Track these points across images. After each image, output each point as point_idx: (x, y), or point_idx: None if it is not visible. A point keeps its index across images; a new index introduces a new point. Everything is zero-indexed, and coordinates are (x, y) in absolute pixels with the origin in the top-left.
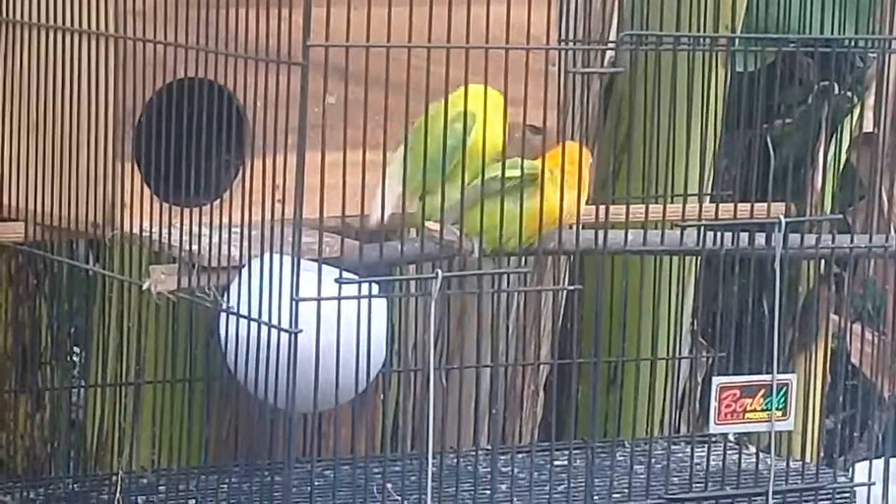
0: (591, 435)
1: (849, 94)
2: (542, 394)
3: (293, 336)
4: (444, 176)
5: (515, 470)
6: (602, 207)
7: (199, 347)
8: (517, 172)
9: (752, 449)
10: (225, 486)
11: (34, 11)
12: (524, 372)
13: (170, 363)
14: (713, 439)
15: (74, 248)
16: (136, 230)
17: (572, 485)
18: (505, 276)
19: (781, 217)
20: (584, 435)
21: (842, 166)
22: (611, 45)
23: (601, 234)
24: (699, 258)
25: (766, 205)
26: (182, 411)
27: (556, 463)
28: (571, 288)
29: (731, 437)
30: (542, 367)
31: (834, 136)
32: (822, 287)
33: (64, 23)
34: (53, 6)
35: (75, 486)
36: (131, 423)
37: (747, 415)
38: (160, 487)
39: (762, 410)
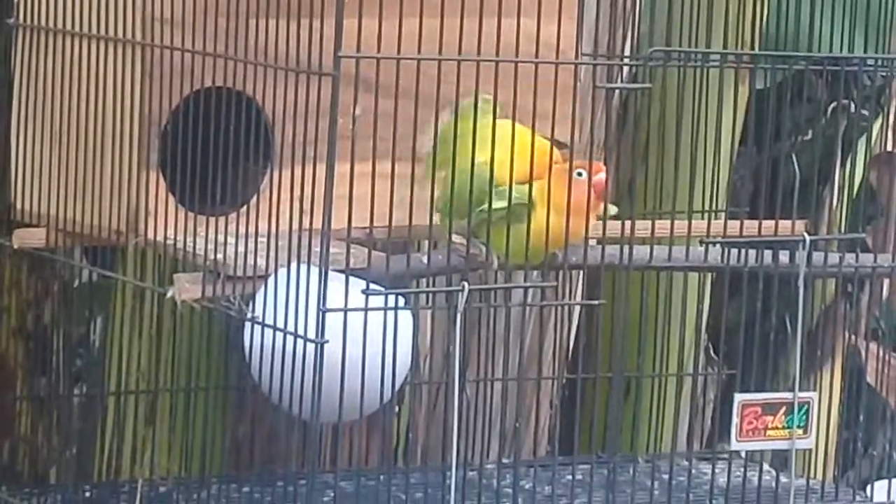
0: (611, 450)
1: (864, 112)
2: (552, 408)
3: (319, 346)
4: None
5: (535, 485)
6: (626, 223)
7: (218, 355)
8: (504, 203)
9: (767, 466)
10: (244, 494)
11: (59, 17)
12: (540, 386)
13: (187, 371)
14: (728, 456)
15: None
16: (160, 238)
17: (593, 500)
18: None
19: (806, 235)
20: (596, 449)
21: (858, 184)
22: (639, 61)
23: (625, 249)
24: (712, 274)
25: (789, 222)
26: (203, 419)
27: (569, 478)
28: (595, 303)
29: (741, 455)
30: (553, 381)
31: (850, 153)
32: (840, 305)
33: (90, 30)
34: (79, 13)
35: (92, 492)
36: (151, 431)
37: (768, 432)
38: (178, 496)
39: (783, 428)
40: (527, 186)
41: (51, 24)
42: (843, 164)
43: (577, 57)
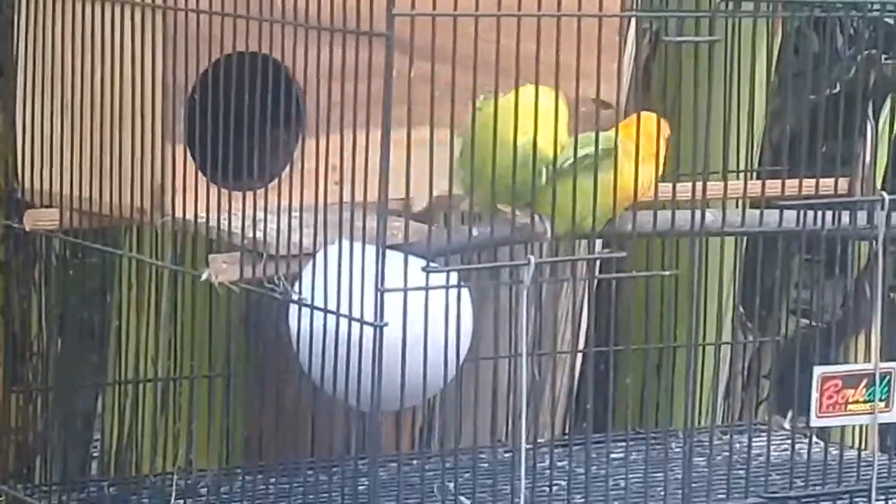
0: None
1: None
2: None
3: (379, 330)
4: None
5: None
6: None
7: (239, 339)
8: (591, 150)
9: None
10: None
11: None
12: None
13: (205, 356)
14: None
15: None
16: (189, 216)
17: (650, 481)
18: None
19: (885, 195)
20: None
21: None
22: (705, 13)
23: (697, 214)
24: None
25: (830, 180)
26: (220, 407)
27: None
28: (668, 273)
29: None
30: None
31: (881, 107)
32: None
33: None
34: None
35: (111, 489)
36: (173, 422)
37: (849, 406)
38: (201, 489)
39: (864, 402)
40: (611, 133)
41: None
42: (875, 118)
43: (621, 11)
